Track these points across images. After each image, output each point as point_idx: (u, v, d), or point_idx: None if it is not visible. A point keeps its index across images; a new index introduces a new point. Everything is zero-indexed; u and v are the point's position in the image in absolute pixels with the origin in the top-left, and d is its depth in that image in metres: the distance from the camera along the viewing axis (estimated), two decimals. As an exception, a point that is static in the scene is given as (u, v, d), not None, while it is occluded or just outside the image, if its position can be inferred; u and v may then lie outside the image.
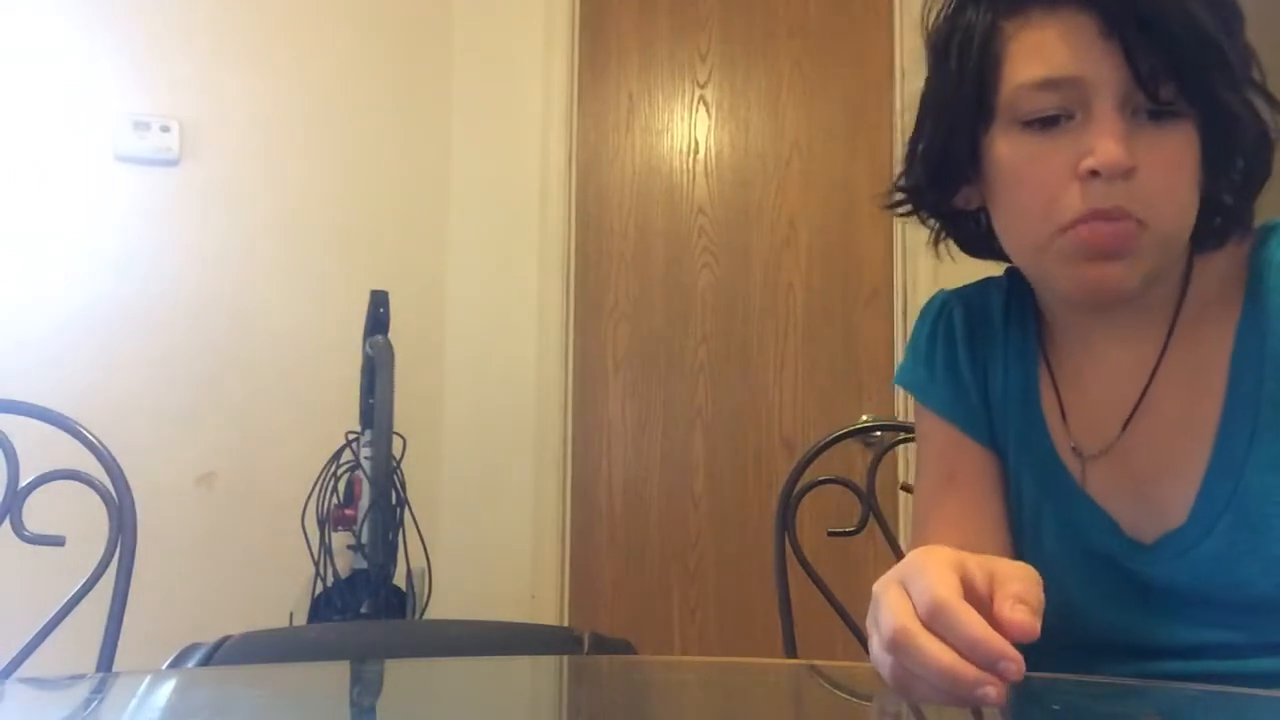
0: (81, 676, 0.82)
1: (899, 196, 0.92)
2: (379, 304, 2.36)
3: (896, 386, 2.63)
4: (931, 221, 0.93)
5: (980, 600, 0.61)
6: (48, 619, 1.16)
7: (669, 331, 2.80)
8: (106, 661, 1.18)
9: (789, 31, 2.83)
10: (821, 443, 1.40)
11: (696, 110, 2.85)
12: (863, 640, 1.36)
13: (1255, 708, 0.71)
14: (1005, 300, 0.97)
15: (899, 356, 2.66)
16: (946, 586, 0.60)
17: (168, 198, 2.63)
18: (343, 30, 2.80)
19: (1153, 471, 0.84)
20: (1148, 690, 0.78)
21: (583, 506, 2.76)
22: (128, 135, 2.60)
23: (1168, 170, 0.76)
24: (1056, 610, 0.76)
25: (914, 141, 0.89)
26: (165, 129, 2.62)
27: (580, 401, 2.78)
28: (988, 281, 0.99)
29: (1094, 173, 0.75)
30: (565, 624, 2.68)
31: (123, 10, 2.64)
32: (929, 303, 1.01)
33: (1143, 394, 0.85)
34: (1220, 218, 0.83)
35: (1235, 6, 0.79)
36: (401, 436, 2.33)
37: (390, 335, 2.32)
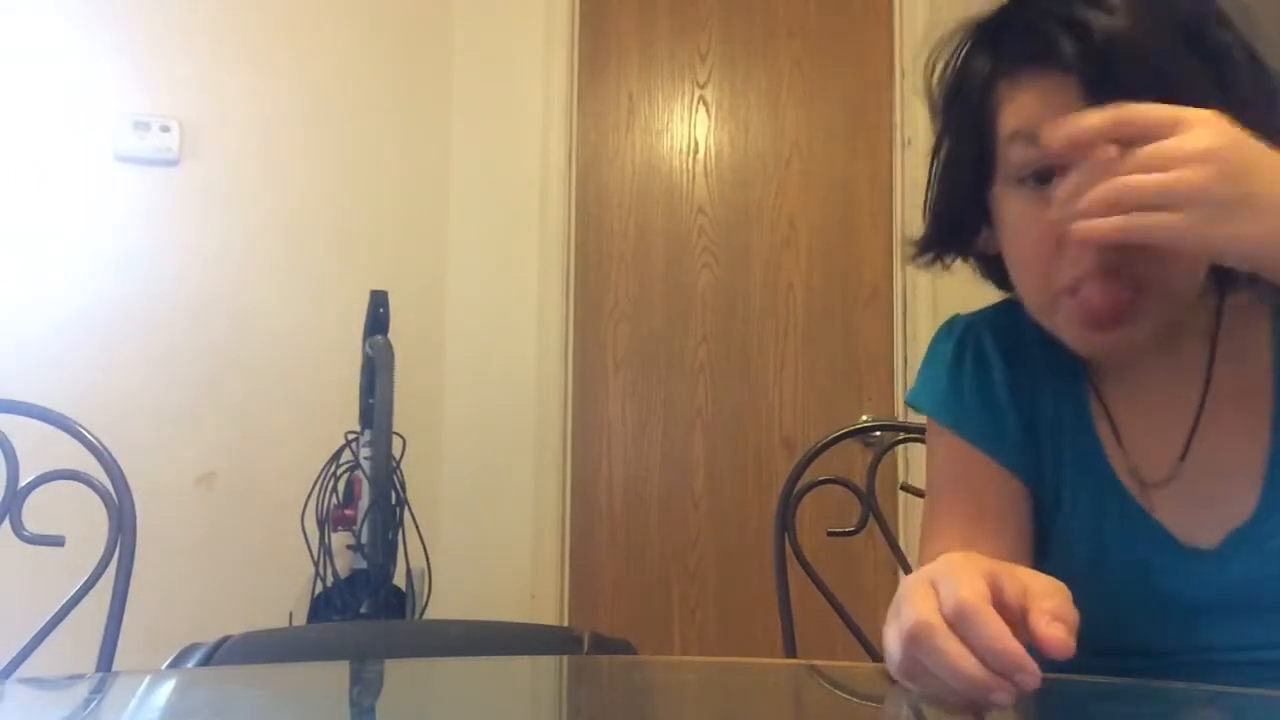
0: (81, 676, 0.81)
1: (920, 249, 0.92)
2: (379, 304, 2.37)
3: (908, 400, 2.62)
4: (954, 260, 0.93)
5: (1009, 610, 0.61)
6: (48, 619, 1.16)
7: (669, 331, 2.80)
8: (106, 661, 1.18)
9: (789, 31, 2.83)
10: (821, 443, 1.39)
11: (696, 110, 2.85)
12: (862, 640, 1.37)
13: (1256, 706, 0.71)
14: (1035, 321, 0.93)
15: (899, 357, 2.66)
16: (974, 591, 0.60)
17: (168, 198, 2.63)
18: (343, 30, 2.80)
19: (1215, 484, 0.84)
20: (1148, 690, 0.78)
21: (583, 506, 2.76)
22: (128, 135, 2.60)
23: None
24: (1109, 624, 0.77)
25: (929, 196, 0.90)
26: (165, 129, 2.62)
27: (580, 401, 2.78)
28: (1009, 306, 0.95)
29: (1082, 243, 0.75)
30: (565, 624, 2.68)
31: (123, 10, 2.64)
32: (949, 325, 0.98)
33: (1197, 418, 0.85)
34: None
35: (1225, 45, 0.78)
36: (401, 436, 2.33)
37: (390, 335, 2.32)
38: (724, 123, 2.84)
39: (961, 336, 0.96)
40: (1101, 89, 0.75)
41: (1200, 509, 0.85)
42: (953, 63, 0.86)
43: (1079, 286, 0.77)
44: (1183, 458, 0.86)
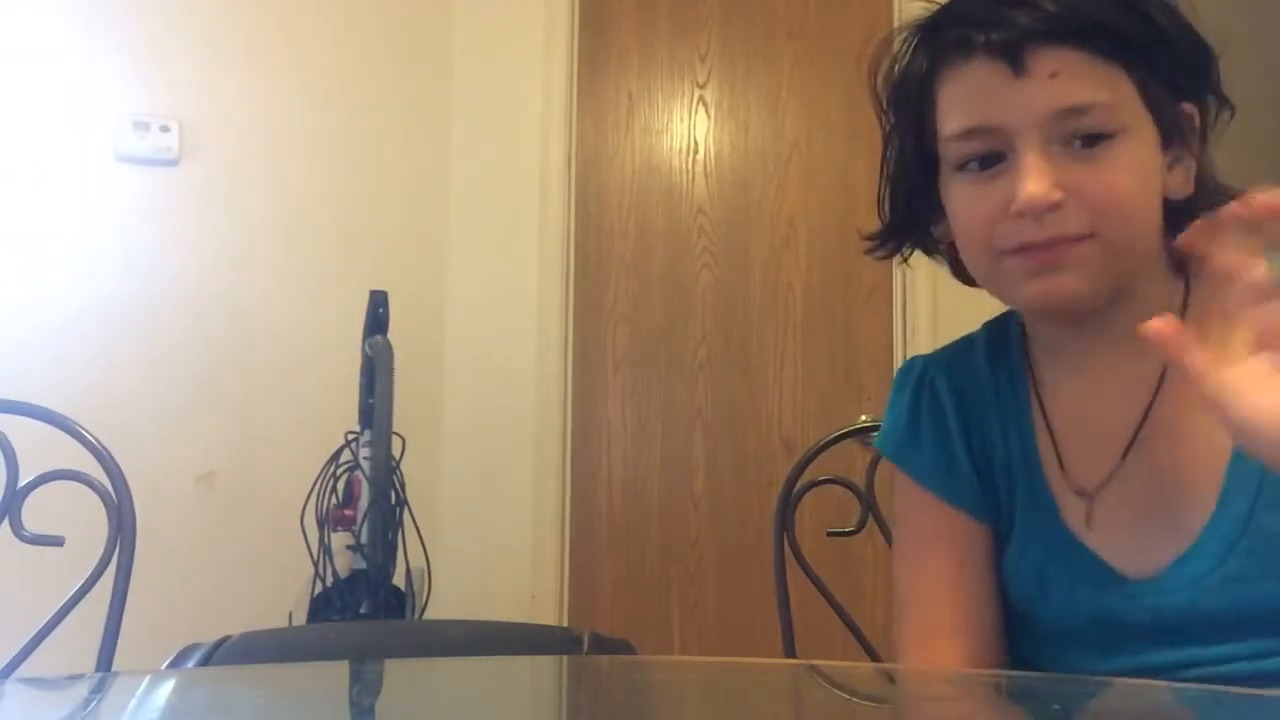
0: (81, 676, 0.82)
1: (877, 243, 0.96)
2: (378, 304, 2.36)
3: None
4: (912, 251, 0.96)
5: None
6: (47, 619, 1.16)
7: (669, 331, 2.80)
8: (106, 661, 1.18)
9: (789, 32, 2.83)
10: (821, 443, 1.40)
11: (696, 110, 2.85)
12: (862, 640, 1.37)
13: (1258, 707, 0.71)
14: (989, 357, 0.96)
15: (899, 356, 2.66)
16: None
17: (168, 198, 2.63)
18: (343, 30, 2.80)
19: (1165, 492, 0.83)
20: (1148, 690, 0.78)
21: (583, 506, 2.76)
22: (128, 135, 2.60)
23: (1106, 192, 0.78)
24: (1057, 651, 0.82)
25: (880, 189, 0.94)
26: (165, 129, 2.62)
27: (580, 401, 2.78)
28: (965, 342, 0.99)
29: (1021, 215, 0.79)
30: (565, 624, 2.68)
31: (123, 10, 2.64)
32: (907, 368, 1.00)
33: (1145, 414, 0.84)
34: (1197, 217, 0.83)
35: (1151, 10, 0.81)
36: (401, 436, 2.33)
37: (390, 335, 2.32)
38: (724, 123, 2.84)
39: (918, 380, 0.98)
40: (1025, 69, 0.79)
41: (1146, 521, 0.84)
42: (897, 64, 0.90)
43: (1019, 250, 0.80)
44: (1124, 456, 0.85)
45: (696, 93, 2.85)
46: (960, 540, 0.93)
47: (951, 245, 0.92)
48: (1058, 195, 0.77)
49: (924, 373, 0.98)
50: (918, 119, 0.87)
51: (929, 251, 0.96)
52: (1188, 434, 0.83)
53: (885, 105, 0.91)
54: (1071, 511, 0.88)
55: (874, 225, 0.98)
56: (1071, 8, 0.79)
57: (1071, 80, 0.78)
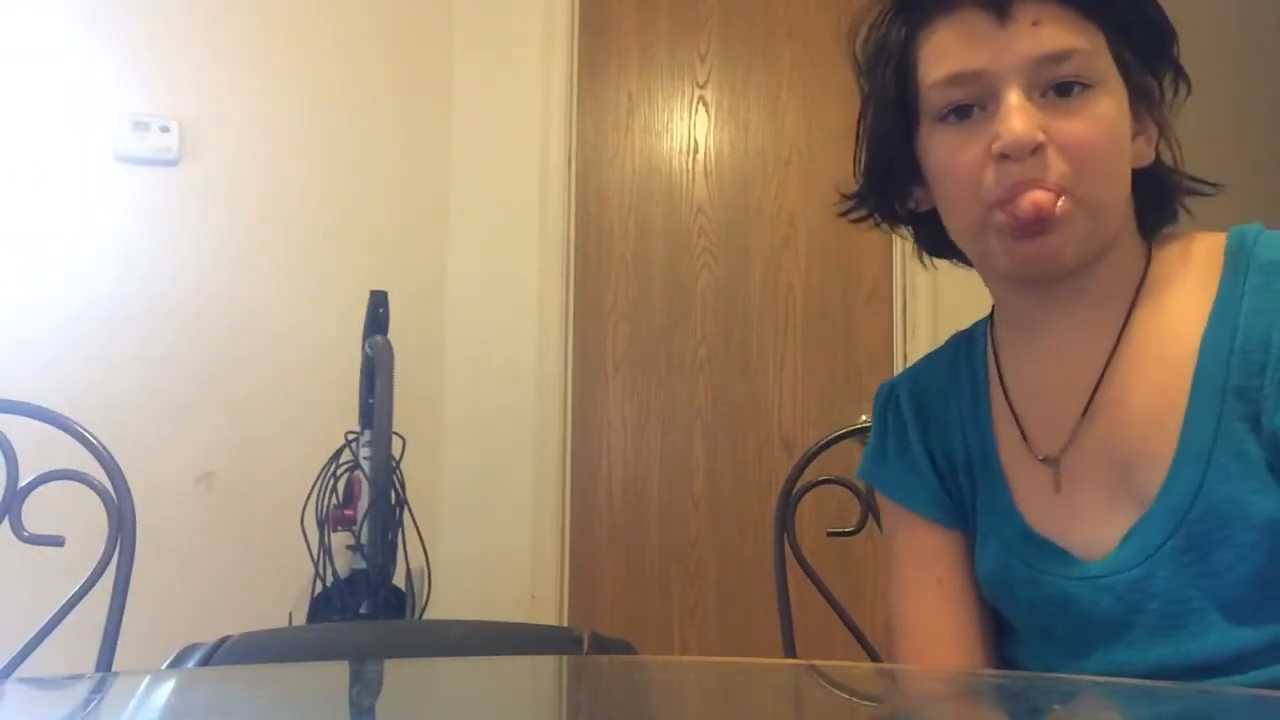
0: (81, 676, 0.81)
1: (850, 204, 0.97)
2: (379, 304, 2.36)
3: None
4: (902, 228, 0.98)
5: None
6: (47, 619, 1.16)
7: (669, 331, 2.80)
8: (106, 661, 1.18)
9: (789, 32, 2.83)
10: (821, 443, 1.40)
11: (696, 110, 2.85)
12: (862, 640, 1.37)
13: (1260, 708, 0.71)
14: (952, 362, 0.99)
15: (899, 357, 2.66)
16: None
17: (168, 198, 2.63)
18: (343, 30, 2.80)
19: (1123, 460, 0.84)
20: (1148, 690, 0.78)
21: (583, 506, 2.76)
22: (128, 135, 2.60)
23: (1083, 139, 0.81)
24: (1043, 657, 0.83)
25: (856, 152, 0.95)
26: (165, 129, 2.62)
27: (580, 401, 2.78)
28: (932, 355, 1.03)
29: (1004, 156, 0.80)
30: (565, 624, 2.68)
31: (123, 10, 2.64)
32: (877, 395, 1.04)
33: (1101, 376, 0.86)
34: (1163, 188, 0.88)
35: None
36: (401, 436, 2.33)
37: (390, 335, 2.32)
38: (724, 123, 2.84)
39: (885, 401, 1.02)
40: (1010, 17, 0.81)
41: (1104, 490, 0.85)
42: (874, 32, 0.91)
43: (1008, 197, 0.81)
44: (1083, 416, 0.86)
45: (696, 93, 2.85)
46: (937, 555, 0.96)
47: (921, 215, 0.94)
48: (1040, 136, 0.80)
49: (890, 393, 1.02)
50: (899, 76, 0.88)
51: (897, 221, 0.97)
52: (1140, 401, 0.84)
53: (864, 69, 0.93)
54: (1030, 502, 0.89)
55: (838, 205, 1.00)
56: None
57: (1053, 28, 0.81)
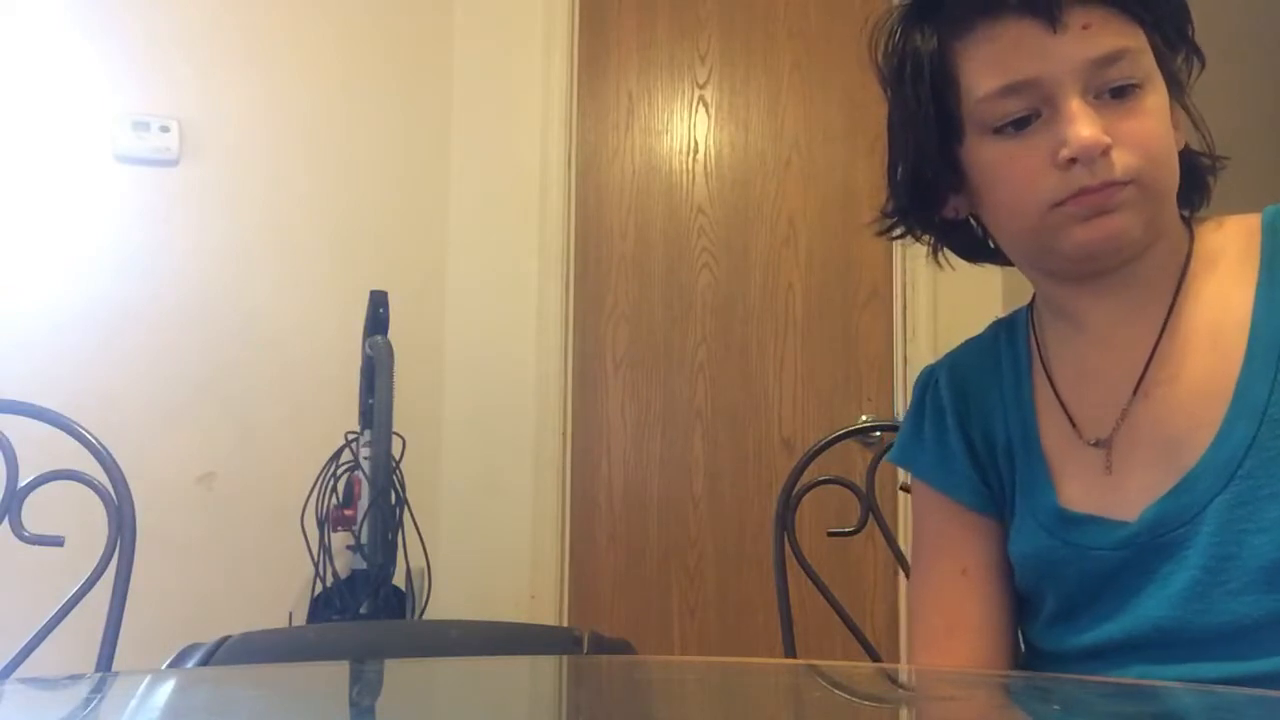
0: (81, 676, 0.81)
1: (890, 222, 0.96)
2: (379, 304, 2.36)
3: (899, 382, 2.63)
4: (926, 237, 0.97)
5: None
6: (48, 619, 1.16)
7: (669, 332, 2.80)
8: (106, 661, 1.18)
9: (789, 33, 2.83)
10: (821, 443, 1.40)
11: (696, 110, 2.85)
12: (862, 640, 1.37)
13: (1259, 708, 0.71)
14: (994, 346, 0.99)
15: (898, 357, 2.66)
16: None
17: (167, 198, 2.63)
18: (343, 30, 2.80)
19: (1177, 432, 0.84)
20: (1148, 690, 0.78)
21: (583, 506, 2.76)
22: (127, 135, 2.60)
23: (1143, 136, 0.82)
24: (1089, 625, 0.84)
25: (891, 167, 0.94)
26: (165, 129, 2.62)
27: (580, 401, 2.78)
28: (975, 339, 1.02)
29: (1073, 160, 0.80)
30: (565, 624, 2.68)
31: (123, 10, 2.64)
32: (918, 379, 1.04)
33: (1150, 355, 0.86)
34: (1196, 171, 0.89)
35: None
36: (401, 436, 2.33)
37: (390, 335, 2.32)
38: (724, 123, 2.84)
39: (924, 385, 1.02)
40: (1060, 23, 0.81)
41: (1156, 464, 0.85)
42: (893, 40, 0.91)
43: (1074, 197, 0.81)
44: (1134, 395, 0.86)
45: (696, 93, 2.85)
46: (966, 542, 0.96)
47: (954, 223, 0.94)
48: (1107, 139, 0.80)
49: (929, 376, 1.02)
50: (936, 88, 0.87)
51: (933, 231, 0.96)
52: (1193, 375, 0.84)
53: (890, 79, 0.92)
54: (1075, 483, 0.89)
55: (875, 225, 0.98)
56: None
57: (1102, 30, 0.81)
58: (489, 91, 2.86)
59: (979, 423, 0.96)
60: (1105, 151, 0.80)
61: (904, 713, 0.69)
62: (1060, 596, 0.90)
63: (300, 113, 2.74)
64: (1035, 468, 0.92)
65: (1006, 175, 0.85)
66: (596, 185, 2.84)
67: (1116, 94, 0.82)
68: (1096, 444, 0.88)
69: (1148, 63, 0.83)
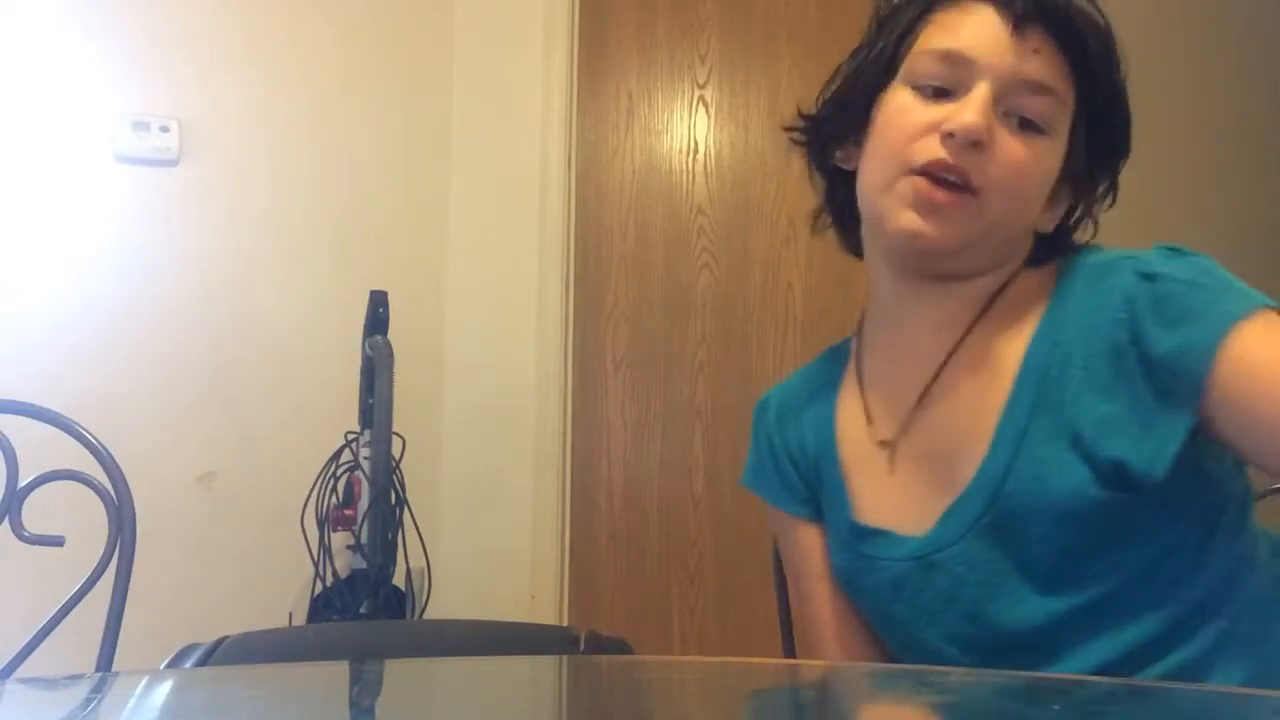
0: (81, 676, 0.82)
1: (799, 124, 1.03)
2: (378, 304, 2.36)
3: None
4: (817, 179, 1.04)
5: None
6: (47, 619, 1.16)
7: (669, 332, 2.80)
8: (106, 661, 1.18)
9: (789, 33, 2.83)
10: (821, 443, 1.39)
11: (696, 110, 2.85)
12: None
13: (1246, 706, 0.71)
14: (822, 363, 1.06)
15: (898, 357, 2.67)
16: None
17: (167, 198, 2.63)
18: (343, 30, 2.80)
19: (948, 447, 0.89)
20: (1148, 690, 0.78)
21: (582, 506, 2.76)
22: (127, 135, 2.60)
23: (1016, 167, 0.85)
24: (891, 640, 0.91)
25: (826, 85, 0.99)
26: (165, 129, 2.62)
27: (580, 402, 2.78)
28: (807, 365, 1.09)
29: (950, 135, 0.84)
30: (565, 624, 2.68)
31: (123, 10, 2.64)
32: (755, 406, 1.10)
33: (938, 371, 0.91)
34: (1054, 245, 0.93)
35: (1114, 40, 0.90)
36: (401, 436, 2.33)
37: (390, 335, 2.32)
38: (724, 123, 2.84)
39: (758, 412, 1.08)
40: (1021, 32, 0.86)
41: (930, 474, 0.90)
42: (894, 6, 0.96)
43: (928, 169, 0.85)
44: (917, 405, 0.92)
45: (696, 93, 2.85)
46: (815, 551, 1.01)
47: (841, 173, 0.98)
48: (987, 136, 0.83)
49: (762, 405, 1.08)
50: (900, 38, 0.91)
51: (822, 169, 1.03)
52: (968, 392, 0.89)
53: (873, 31, 0.96)
54: (865, 489, 0.94)
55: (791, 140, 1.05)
56: (1081, 22, 0.87)
57: (1047, 64, 0.86)
58: (489, 91, 2.86)
59: (795, 437, 1.02)
60: (979, 146, 0.83)
61: (904, 712, 0.69)
62: (867, 605, 0.96)
63: (300, 113, 2.74)
64: (835, 478, 0.97)
65: (897, 124, 0.89)
66: (596, 185, 2.84)
67: (1022, 125, 0.86)
68: (883, 444, 0.93)
69: (1061, 122, 0.88)
